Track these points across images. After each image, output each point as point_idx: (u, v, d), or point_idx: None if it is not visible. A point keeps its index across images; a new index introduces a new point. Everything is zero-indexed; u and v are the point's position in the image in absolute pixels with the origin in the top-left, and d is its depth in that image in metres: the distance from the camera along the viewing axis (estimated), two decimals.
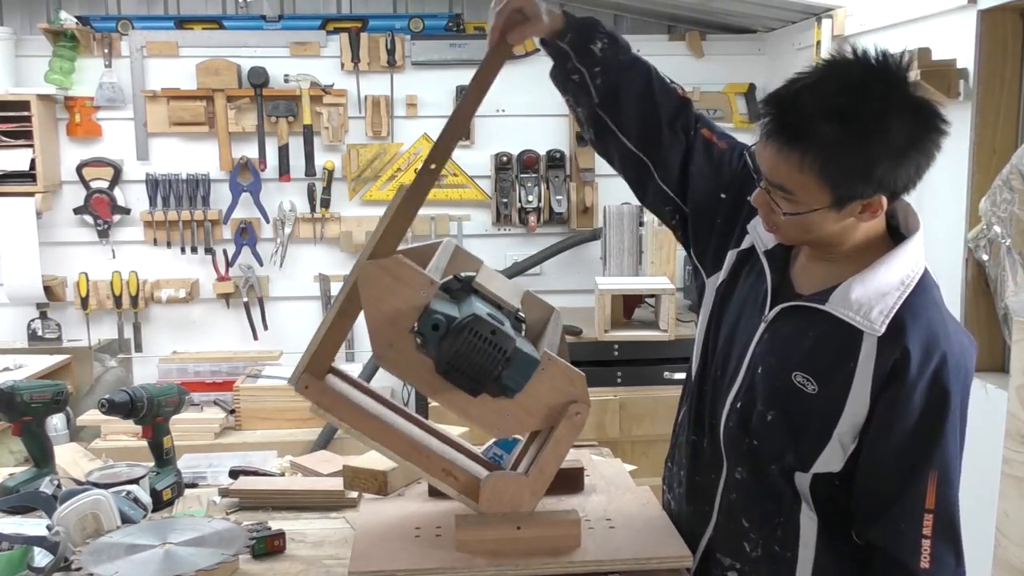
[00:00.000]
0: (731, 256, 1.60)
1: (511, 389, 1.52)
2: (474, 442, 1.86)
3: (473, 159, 4.34)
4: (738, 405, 1.52)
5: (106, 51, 4.19)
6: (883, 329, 1.39)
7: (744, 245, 1.59)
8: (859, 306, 1.40)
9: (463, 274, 1.63)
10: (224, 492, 1.93)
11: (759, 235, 1.55)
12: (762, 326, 1.51)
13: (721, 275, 1.61)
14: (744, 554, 1.54)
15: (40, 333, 4.25)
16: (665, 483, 1.76)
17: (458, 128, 1.58)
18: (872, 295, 1.41)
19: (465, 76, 4.33)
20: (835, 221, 1.40)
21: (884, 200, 1.38)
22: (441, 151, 1.56)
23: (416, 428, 1.67)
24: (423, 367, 1.51)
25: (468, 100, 1.59)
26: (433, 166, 1.54)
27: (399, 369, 1.54)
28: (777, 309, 1.49)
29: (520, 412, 1.55)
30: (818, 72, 1.38)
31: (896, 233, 1.49)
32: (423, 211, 4.32)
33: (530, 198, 4.34)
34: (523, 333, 1.61)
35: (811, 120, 1.33)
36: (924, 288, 1.43)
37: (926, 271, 1.45)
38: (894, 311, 1.39)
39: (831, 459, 1.44)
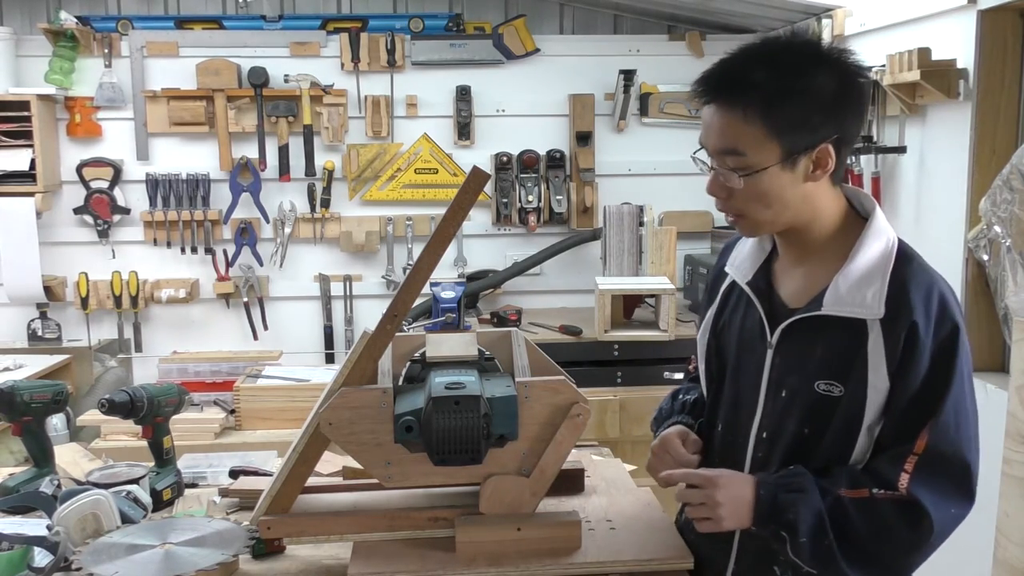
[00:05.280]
0: (721, 291, 1.66)
1: (510, 434, 1.52)
2: None
3: (473, 159, 4.32)
4: (763, 435, 1.53)
5: (106, 51, 4.19)
6: (883, 310, 1.41)
7: (726, 283, 1.65)
8: (852, 297, 1.43)
9: (416, 355, 1.66)
10: (224, 492, 1.94)
11: (737, 270, 1.61)
12: (769, 352, 1.53)
13: (714, 307, 1.66)
14: None
15: (40, 333, 4.25)
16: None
17: (419, 281, 1.55)
18: (861, 282, 1.44)
19: (465, 76, 4.35)
20: (791, 184, 1.43)
21: (831, 151, 1.41)
22: (403, 303, 1.55)
23: (393, 491, 1.64)
24: (427, 466, 1.52)
25: (428, 254, 1.55)
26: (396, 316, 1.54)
27: (409, 480, 1.55)
28: (779, 331, 1.51)
29: (533, 443, 1.55)
30: (738, 48, 1.47)
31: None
32: (424, 211, 4.37)
33: (530, 198, 4.33)
34: (499, 371, 1.63)
35: (744, 72, 1.41)
36: (906, 258, 1.46)
37: (900, 242, 1.48)
38: (886, 288, 1.42)
39: (859, 454, 1.45)
